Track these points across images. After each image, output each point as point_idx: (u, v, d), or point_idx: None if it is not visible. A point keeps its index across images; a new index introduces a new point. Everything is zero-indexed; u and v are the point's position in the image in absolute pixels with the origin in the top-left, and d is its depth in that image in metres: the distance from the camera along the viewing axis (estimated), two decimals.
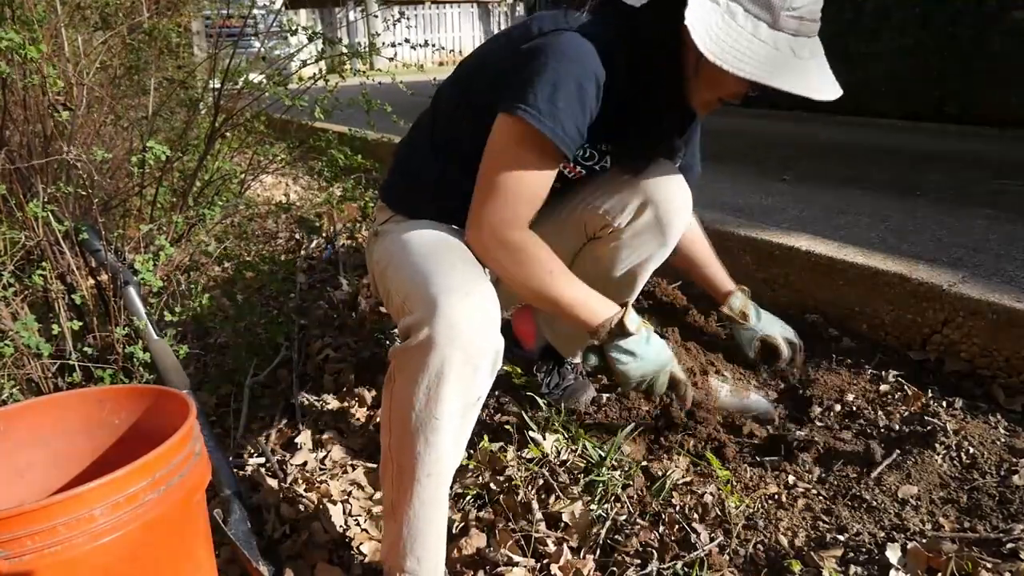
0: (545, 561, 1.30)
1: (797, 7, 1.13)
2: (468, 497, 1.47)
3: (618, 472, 1.46)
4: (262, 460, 1.68)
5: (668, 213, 1.47)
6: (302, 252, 3.04)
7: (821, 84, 1.17)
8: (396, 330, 2.18)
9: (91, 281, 1.74)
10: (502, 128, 1.22)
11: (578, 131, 1.21)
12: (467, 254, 1.26)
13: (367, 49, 2.38)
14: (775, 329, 1.78)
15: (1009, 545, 1.19)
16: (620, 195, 1.47)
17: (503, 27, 19.07)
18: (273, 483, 1.60)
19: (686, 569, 1.24)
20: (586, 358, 1.41)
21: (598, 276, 1.51)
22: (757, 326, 1.77)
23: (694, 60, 1.20)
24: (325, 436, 1.75)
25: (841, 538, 1.27)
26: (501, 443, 1.59)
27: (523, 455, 1.54)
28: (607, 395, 1.77)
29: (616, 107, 1.26)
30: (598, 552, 1.31)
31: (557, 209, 1.51)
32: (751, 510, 1.37)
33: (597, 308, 1.30)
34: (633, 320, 1.31)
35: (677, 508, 1.38)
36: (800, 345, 1.80)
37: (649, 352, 1.32)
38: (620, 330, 1.30)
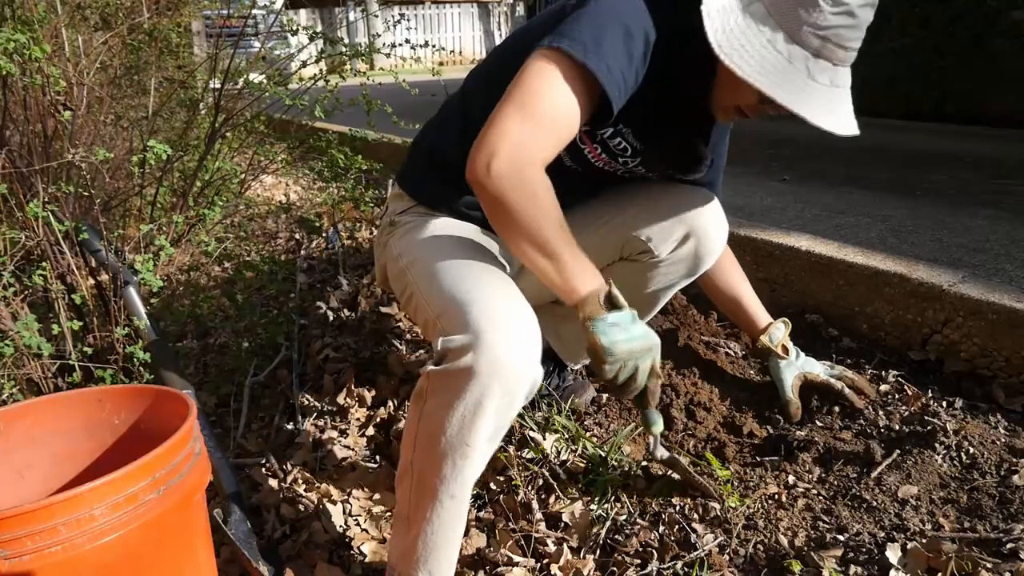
0: (545, 561, 1.30)
1: (823, 26, 1.08)
2: None
3: (618, 472, 1.46)
4: (262, 460, 1.68)
5: (708, 246, 1.46)
6: (302, 252, 3.04)
7: (828, 111, 1.11)
8: (399, 331, 2.18)
9: (91, 281, 1.74)
10: (536, 59, 1.10)
11: (623, 76, 1.10)
12: (501, 270, 1.21)
13: (367, 49, 2.38)
14: (817, 367, 1.66)
15: (1009, 545, 1.19)
16: (664, 223, 1.44)
17: (503, 27, 19.05)
18: (273, 483, 1.60)
19: (686, 569, 1.24)
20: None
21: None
22: (797, 363, 1.65)
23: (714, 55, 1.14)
24: (325, 436, 1.74)
25: (841, 538, 1.27)
26: (501, 443, 1.59)
27: (523, 455, 1.54)
28: (607, 395, 1.77)
29: (648, 83, 1.18)
30: (598, 552, 1.31)
31: (593, 221, 1.46)
32: (751, 510, 1.37)
33: (586, 274, 1.13)
34: (620, 295, 1.15)
35: (677, 508, 1.38)
36: (846, 374, 1.67)
37: (637, 330, 1.14)
38: (609, 302, 1.13)
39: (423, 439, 1.10)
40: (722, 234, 1.50)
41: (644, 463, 1.50)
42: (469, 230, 1.32)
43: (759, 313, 1.68)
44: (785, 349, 1.66)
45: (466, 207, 1.35)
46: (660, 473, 1.46)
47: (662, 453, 1.39)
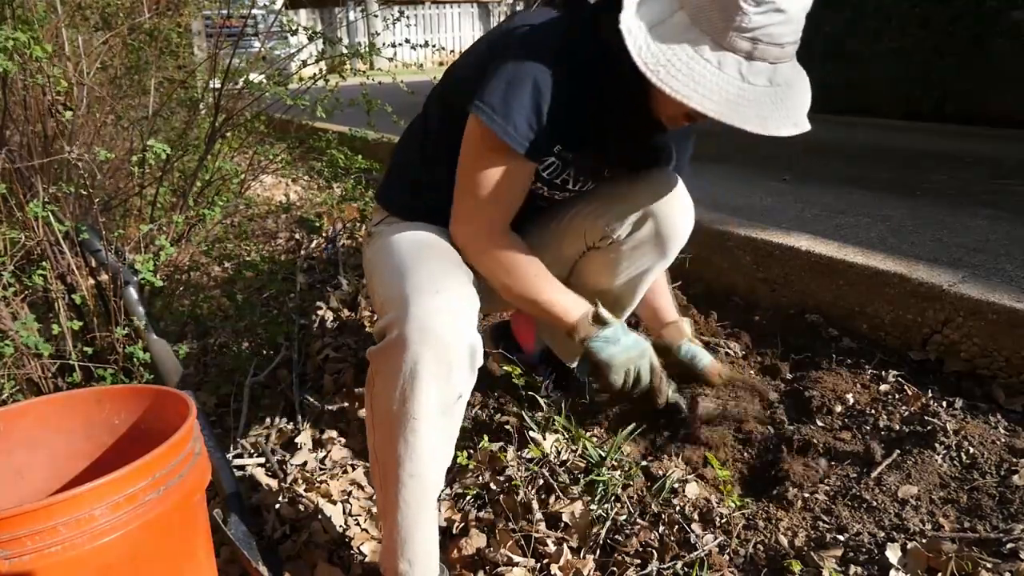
0: (545, 561, 1.30)
1: (749, 28, 1.03)
2: (468, 497, 1.47)
3: (618, 472, 1.46)
4: (262, 460, 1.69)
5: (668, 226, 1.44)
6: (302, 252, 3.04)
7: (761, 113, 1.06)
8: None
9: (91, 281, 1.74)
10: (468, 129, 1.24)
11: (530, 129, 1.19)
12: (449, 253, 1.26)
13: (367, 49, 2.38)
14: (703, 362, 1.57)
15: (1009, 545, 1.19)
16: (619, 207, 1.44)
17: None
18: (273, 483, 1.60)
19: (686, 569, 1.24)
20: (579, 368, 1.41)
21: (597, 285, 1.51)
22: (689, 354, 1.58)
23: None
24: (325, 436, 1.74)
25: (841, 538, 1.27)
26: (501, 443, 1.59)
27: (523, 455, 1.54)
28: (607, 395, 1.77)
29: (581, 110, 1.22)
30: (598, 552, 1.31)
31: (557, 217, 1.50)
32: (751, 510, 1.37)
33: (572, 305, 1.33)
34: (606, 312, 1.34)
35: (677, 508, 1.38)
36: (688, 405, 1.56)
37: (628, 340, 1.34)
38: (597, 321, 1.32)
39: (377, 422, 1.13)
40: (685, 215, 1.46)
41: (644, 463, 1.50)
42: (433, 230, 1.35)
43: (668, 312, 1.65)
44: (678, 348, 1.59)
45: (430, 213, 1.38)
46: (661, 474, 1.46)
47: (684, 401, 1.53)
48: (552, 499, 1.42)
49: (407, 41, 2.49)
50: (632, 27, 1.07)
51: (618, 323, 1.34)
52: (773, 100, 1.08)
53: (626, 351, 1.32)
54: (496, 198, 1.26)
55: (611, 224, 1.45)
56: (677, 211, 1.45)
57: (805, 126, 1.10)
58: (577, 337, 1.33)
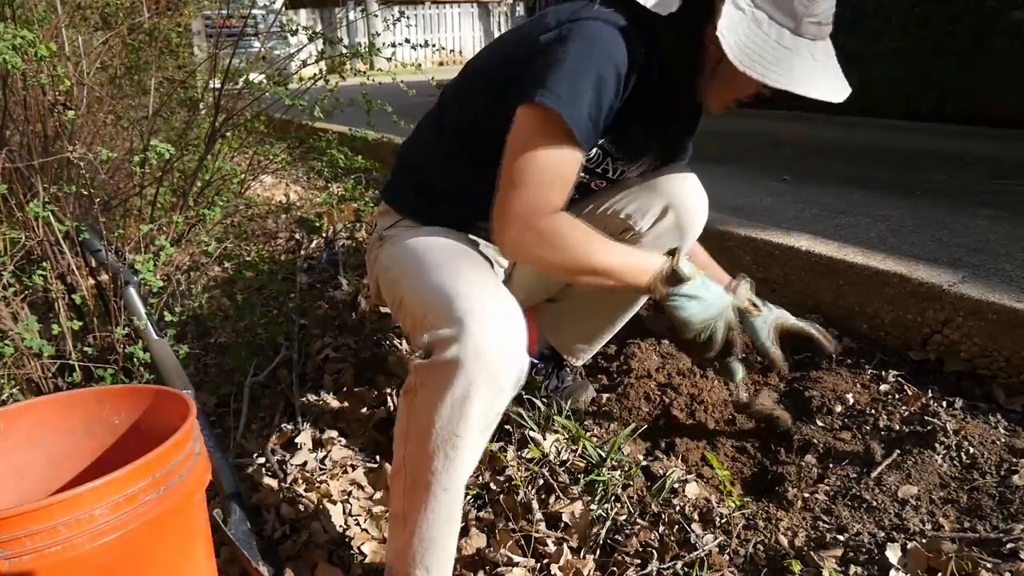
0: (545, 561, 1.30)
1: (817, 14, 1.15)
2: (468, 497, 1.47)
3: (618, 472, 1.46)
4: (262, 460, 1.68)
5: (688, 216, 1.51)
6: (302, 252, 3.04)
7: (835, 86, 1.19)
8: (399, 331, 2.18)
9: (91, 281, 1.74)
10: (520, 117, 1.19)
11: (590, 120, 1.18)
12: (487, 266, 1.25)
13: (367, 49, 2.38)
14: (790, 316, 1.60)
15: (1009, 545, 1.19)
16: (641, 199, 1.49)
17: (503, 27, 19.07)
18: (273, 483, 1.60)
19: (686, 569, 1.24)
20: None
21: None
22: (771, 315, 1.57)
23: (713, 63, 1.21)
24: (325, 436, 1.74)
25: (841, 538, 1.27)
26: (501, 443, 1.59)
27: (523, 455, 1.54)
28: (607, 395, 1.77)
29: (632, 101, 1.25)
30: (598, 552, 1.31)
31: (574, 210, 1.50)
32: (751, 510, 1.37)
33: (645, 264, 1.27)
34: (686, 265, 1.29)
35: (677, 508, 1.38)
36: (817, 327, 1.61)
37: (709, 295, 1.30)
38: (675, 277, 1.27)
39: (414, 434, 1.11)
40: (702, 205, 1.54)
41: (644, 463, 1.50)
42: (456, 236, 1.34)
43: (719, 275, 1.63)
44: (755, 305, 1.58)
45: (448, 218, 1.37)
46: (661, 474, 1.46)
47: (745, 397, 1.54)
48: (552, 499, 1.43)
49: (407, 41, 2.49)
50: (724, 31, 1.14)
51: (699, 275, 1.30)
52: (832, 73, 1.20)
53: (705, 310, 1.30)
54: (556, 182, 1.20)
55: (633, 216, 1.50)
56: (697, 202, 1.52)
57: (848, 88, 1.21)
58: (656, 296, 1.29)
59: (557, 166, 1.19)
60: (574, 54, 1.16)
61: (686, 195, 1.51)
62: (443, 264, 1.23)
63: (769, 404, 1.61)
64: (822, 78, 1.18)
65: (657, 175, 1.52)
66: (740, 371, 1.46)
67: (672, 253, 1.30)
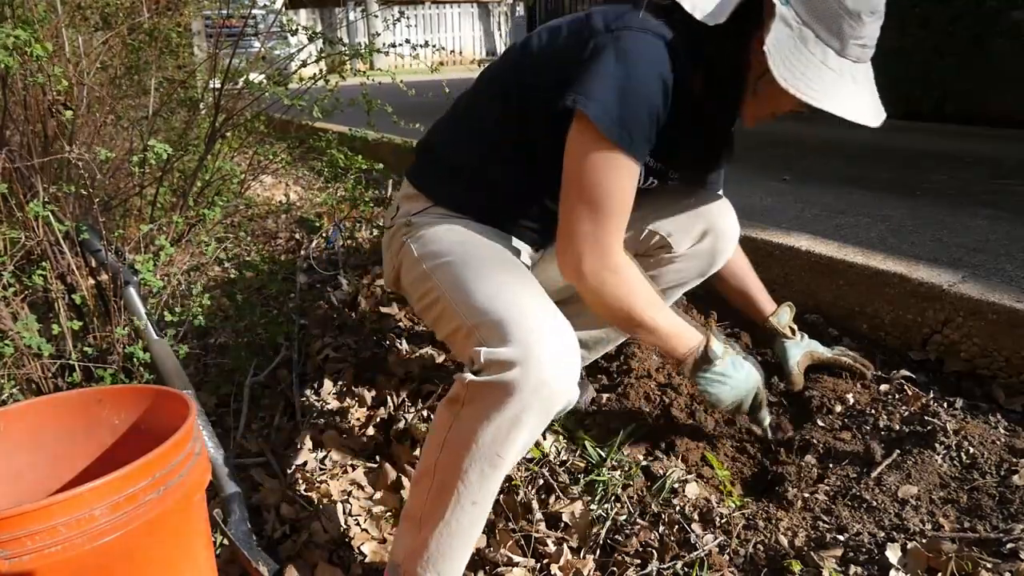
0: (545, 561, 1.30)
1: (863, 36, 1.14)
2: None
3: (618, 472, 1.46)
4: (262, 460, 1.69)
5: (724, 242, 1.54)
6: (302, 252, 3.04)
7: (872, 109, 1.19)
8: (399, 331, 2.18)
9: (91, 281, 1.74)
10: (578, 140, 1.19)
11: (645, 139, 1.19)
12: (535, 280, 1.23)
13: (367, 49, 2.38)
14: (822, 348, 1.73)
15: (1009, 545, 1.19)
16: (683, 220, 1.50)
17: (503, 27, 19.03)
18: (273, 483, 1.60)
19: (686, 569, 1.24)
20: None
21: None
22: (802, 344, 1.70)
23: (755, 79, 1.20)
24: (325, 436, 1.74)
25: (841, 538, 1.27)
26: None
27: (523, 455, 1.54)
28: (607, 395, 1.77)
29: (675, 116, 1.23)
30: (598, 552, 1.31)
31: None
32: (751, 510, 1.37)
33: (686, 337, 1.31)
34: (717, 347, 1.32)
35: (677, 508, 1.38)
36: (848, 352, 1.73)
37: (738, 376, 1.35)
38: (705, 358, 1.31)
39: (453, 444, 1.10)
40: (736, 234, 1.57)
41: (644, 463, 1.50)
42: (494, 235, 1.32)
43: (765, 301, 1.72)
44: (792, 331, 1.71)
45: (488, 212, 1.34)
46: (661, 474, 1.46)
47: (770, 435, 1.57)
48: (552, 499, 1.43)
49: (407, 41, 2.49)
50: (771, 48, 1.13)
51: (729, 356, 1.34)
52: (871, 96, 1.20)
53: (734, 390, 1.35)
54: (617, 212, 1.21)
55: (674, 236, 1.51)
56: (734, 231, 1.56)
57: (884, 113, 1.21)
58: (684, 371, 1.34)
59: (620, 193, 1.20)
60: (623, 70, 1.15)
61: (725, 223, 1.53)
62: (494, 274, 1.20)
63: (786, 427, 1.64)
64: (862, 101, 1.17)
65: (696, 193, 1.53)
66: (767, 418, 1.51)
67: (707, 333, 1.33)
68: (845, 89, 1.15)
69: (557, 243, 1.24)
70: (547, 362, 1.03)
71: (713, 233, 1.52)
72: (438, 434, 1.13)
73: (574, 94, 1.16)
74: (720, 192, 1.60)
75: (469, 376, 1.07)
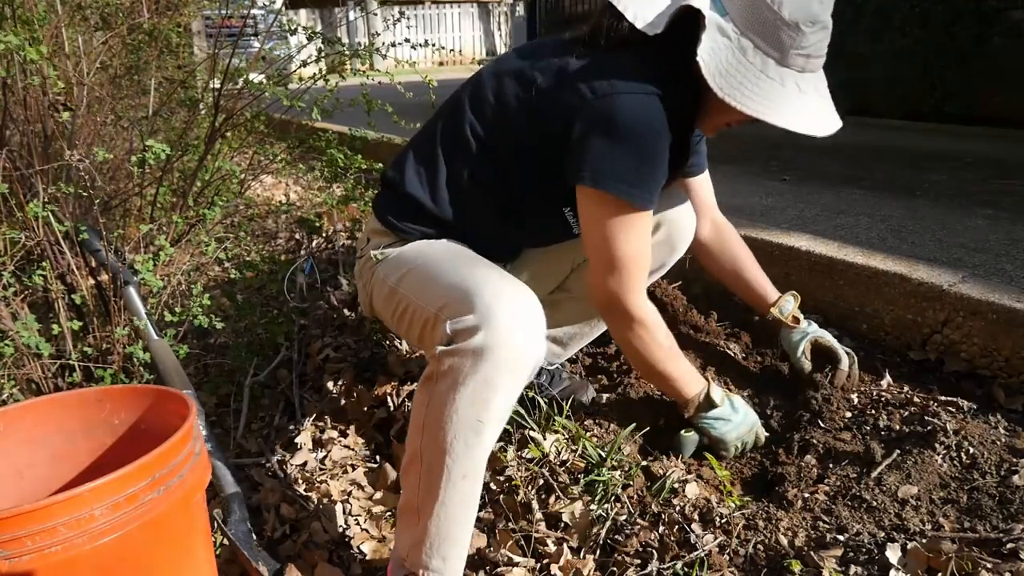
0: (545, 561, 1.30)
1: (805, 46, 1.17)
2: None
3: (618, 472, 1.46)
4: (262, 460, 1.69)
5: (678, 232, 1.59)
6: (302, 252, 3.04)
7: (819, 119, 1.22)
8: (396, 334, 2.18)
9: (91, 281, 1.74)
10: (599, 212, 1.27)
11: (659, 186, 1.28)
12: (498, 268, 1.26)
13: (367, 49, 2.38)
14: (828, 336, 1.73)
15: (1009, 545, 1.19)
16: None
17: (503, 27, 18.98)
18: (273, 483, 1.60)
19: (686, 569, 1.24)
20: (682, 446, 1.52)
21: None
22: (808, 329, 1.72)
23: (706, 90, 1.22)
24: (325, 436, 1.74)
25: (841, 538, 1.27)
26: (501, 443, 1.59)
27: (523, 455, 1.54)
28: (607, 395, 1.77)
29: (673, 147, 1.30)
30: (598, 552, 1.31)
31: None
32: (751, 510, 1.37)
33: (693, 383, 1.46)
34: (717, 392, 1.47)
35: (677, 508, 1.38)
36: (854, 357, 1.71)
37: (738, 416, 1.49)
38: (708, 403, 1.46)
39: (433, 422, 1.12)
40: (691, 223, 1.62)
41: (644, 463, 1.50)
42: (456, 246, 1.37)
43: (768, 289, 1.75)
44: (796, 320, 1.74)
45: (458, 240, 1.38)
46: (661, 474, 1.46)
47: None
48: (552, 499, 1.43)
49: (407, 41, 2.49)
50: (704, 56, 1.16)
51: (728, 401, 1.48)
52: (819, 106, 1.23)
53: (736, 429, 1.49)
54: (646, 263, 1.34)
55: None
56: (687, 220, 1.61)
57: (839, 122, 1.25)
58: (687, 413, 1.48)
59: (645, 247, 1.32)
60: (633, 140, 1.20)
61: (677, 212, 1.58)
62: (455, 263, 1.25)
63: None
64: (805, 110, 1.20)
65: None
66: (763, 439, 1.57)
67: (707, 381, 1.48)
68: (786, 98, 1.18)
69: (588, 291, 1.39)
70: (510, 320, 1.07)
71: (666, 224, 1.57)
72: (417, 416, 1.15)
73: (587, 172, 1.22)
74: (701, 171, 1.69)
75: (439, 348, 1.11)
